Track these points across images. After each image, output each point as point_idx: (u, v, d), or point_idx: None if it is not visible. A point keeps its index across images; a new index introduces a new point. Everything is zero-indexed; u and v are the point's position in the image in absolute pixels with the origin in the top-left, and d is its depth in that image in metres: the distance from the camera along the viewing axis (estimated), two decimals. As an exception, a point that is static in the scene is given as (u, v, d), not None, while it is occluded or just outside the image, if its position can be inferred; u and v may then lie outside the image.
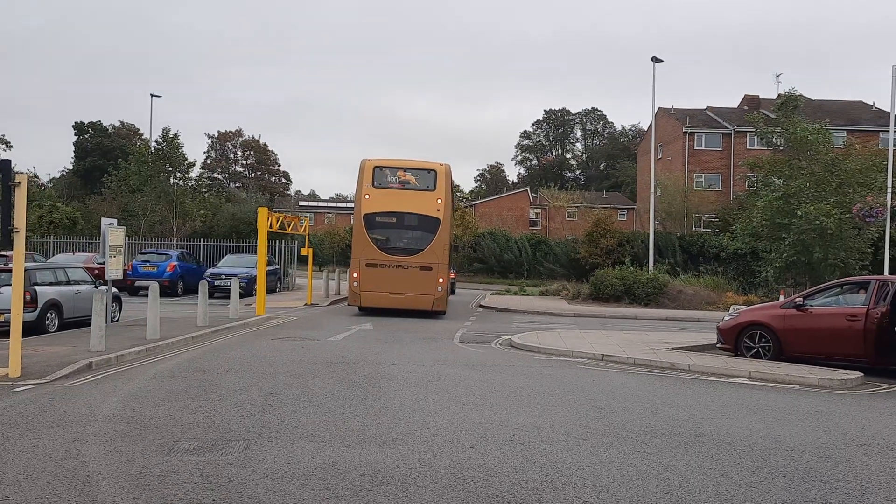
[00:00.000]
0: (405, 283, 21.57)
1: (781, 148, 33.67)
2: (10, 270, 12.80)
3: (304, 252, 28.38)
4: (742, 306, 16.37)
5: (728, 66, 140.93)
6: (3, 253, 20.91)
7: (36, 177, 59.98)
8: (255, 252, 25.30)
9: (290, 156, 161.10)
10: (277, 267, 32.11)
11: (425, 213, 22.04)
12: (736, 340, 14.42)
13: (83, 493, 5.54)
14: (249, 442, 7.05)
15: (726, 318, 15.46)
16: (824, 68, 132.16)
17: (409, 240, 22.43)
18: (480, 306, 28.53)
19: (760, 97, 55.38)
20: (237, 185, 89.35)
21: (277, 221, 24.31)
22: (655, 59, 35.08)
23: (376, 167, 22.52)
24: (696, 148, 52.20)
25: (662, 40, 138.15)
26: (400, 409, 8.78)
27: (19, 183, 10.23)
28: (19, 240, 10.32)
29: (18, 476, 5.91)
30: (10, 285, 11.39)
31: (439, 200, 21.98)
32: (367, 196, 22.04)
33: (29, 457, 6.47)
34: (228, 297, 20.69)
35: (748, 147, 49.24)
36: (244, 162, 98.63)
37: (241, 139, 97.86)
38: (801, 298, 14.01)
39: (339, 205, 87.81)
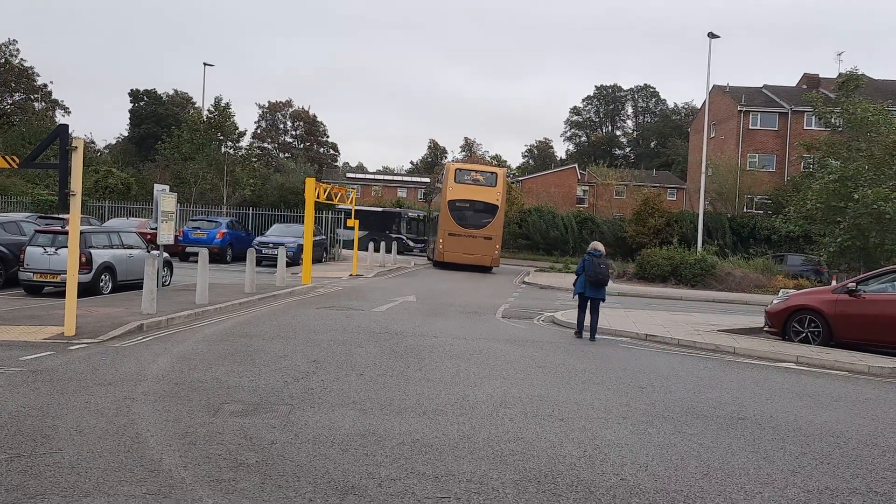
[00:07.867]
0: (473, 247, 31.59)
1: (840, 129, 32.70)
2: (66, 233, 13.17)
3: (350, 223, 28.64)
4: (792, 290, 16.02)
5: (787, 45, 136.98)
6: (61, 216, 21.55)
7: (92, 143, 61.44)
8: (303, 222, 25.64)
9: (337, 128, 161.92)
10: (324, 237, 32.47)
11: (489, 201, 31.94)
12: (784, 325, 14.16)
13: (132, 448, 5.72)
14: (292, 407, 7.19)
15: (775, 301, 15.19)
16: (888, 47, 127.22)
17: (477, 218, 31.85)
18: (524, 283, 28.48)
19: (820, 76, 53.76)
20: (286, 155, 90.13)
21: (325, 192, 24.54)
22: (712, 35, 34.28)
23: (457, 169, 33.83)
24: (750, 127, 50.94)
25: (718, 16, 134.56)
26: (440, 380, 8.85)
27: (76, 147, 10.44)
28: (75, 203, 10.58)
29: (71, 430, 6.13)
30: (67, 247, 11.74)
31: (498, 193, 32.22)
32: (451, 188, 32.05)
33: (81, 412, 6.70)
34: (275, 266, 21.03)
35: (805, 127, 47.95)
36: (293, 133, 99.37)
37: (290, 110, 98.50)
38: (854, 284, 13.67)
39: (387, 177, 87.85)
